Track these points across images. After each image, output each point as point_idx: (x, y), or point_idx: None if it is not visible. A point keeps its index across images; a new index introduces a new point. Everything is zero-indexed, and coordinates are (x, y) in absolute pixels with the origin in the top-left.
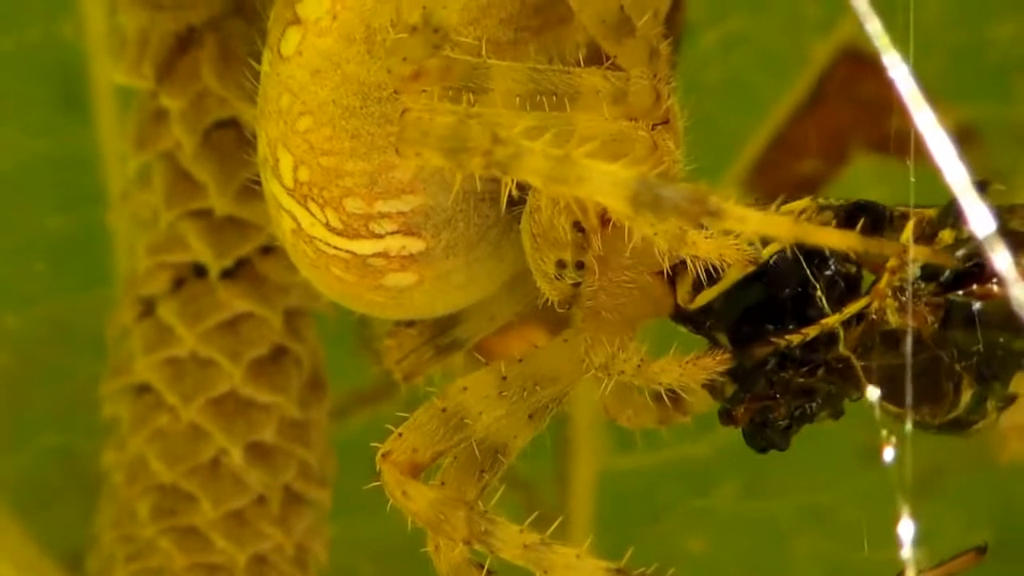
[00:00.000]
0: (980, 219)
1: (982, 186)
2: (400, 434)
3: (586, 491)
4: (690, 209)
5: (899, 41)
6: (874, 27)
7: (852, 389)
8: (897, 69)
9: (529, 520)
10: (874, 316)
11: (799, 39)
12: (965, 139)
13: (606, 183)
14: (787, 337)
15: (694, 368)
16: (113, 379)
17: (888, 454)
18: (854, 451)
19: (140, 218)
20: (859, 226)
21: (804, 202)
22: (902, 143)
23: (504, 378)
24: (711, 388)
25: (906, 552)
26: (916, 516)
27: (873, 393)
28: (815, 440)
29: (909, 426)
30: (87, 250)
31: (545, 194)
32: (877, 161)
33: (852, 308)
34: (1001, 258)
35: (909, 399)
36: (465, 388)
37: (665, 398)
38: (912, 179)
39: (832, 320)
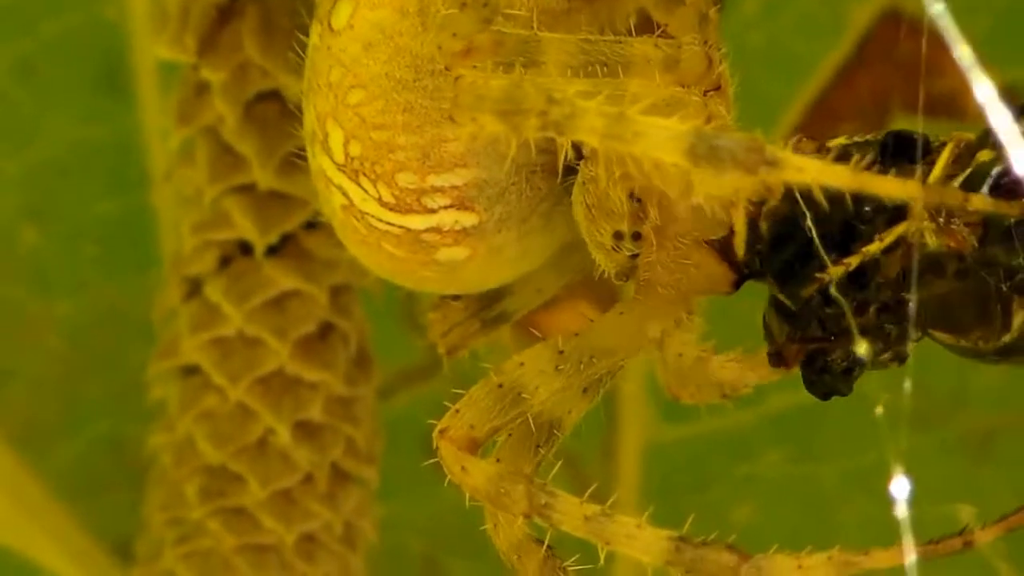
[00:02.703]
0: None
1: (1022, 109)
2: (457, 410)
3: (632, 462)
4: (748, 159)
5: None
6: None
7: (910, 330)
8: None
9: (588, 493)
10: (911, 240)
11: (839, 3)
12: (1009, 100)
13: (662, 137)
14: (830, 271)
15: (752, 373)
16: (160, 360)
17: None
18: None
19: (184, 195)
20: (917, 174)
21: (839, 140)
22: (943, 104)
23: (561, 352)
24: (773, 345)
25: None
26: (968, 479)
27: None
28: (860, 406)
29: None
30: (136, 234)
31: (602, 155)
32: (918, 123)
33: (890, 235)
34: None
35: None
36: (522, 363)
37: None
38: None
39: (872, 248)
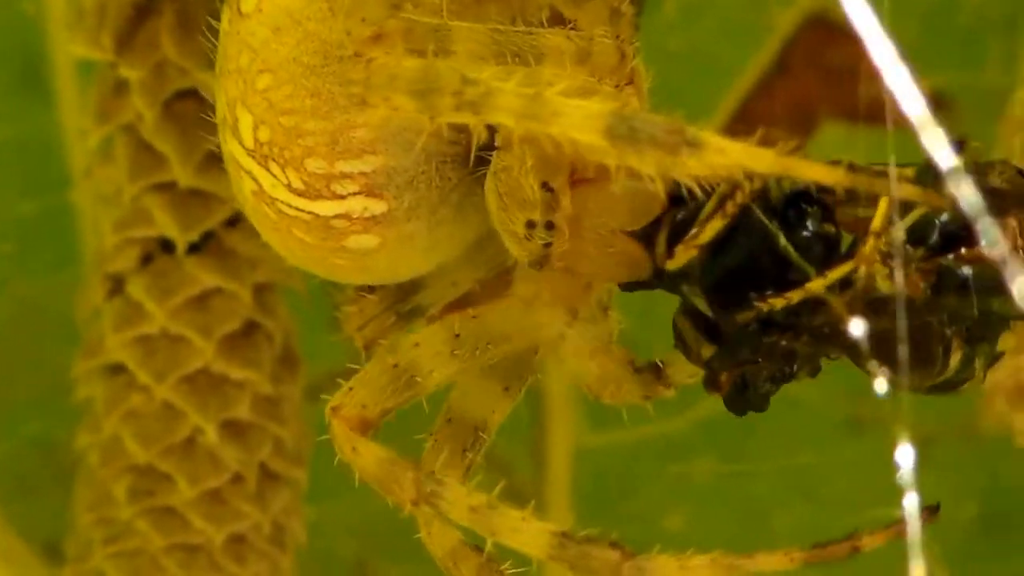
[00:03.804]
0: (958, 178)
1: (959, 145)
2: (351, 388)
3: (562, 468)
4: (668, 139)
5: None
6: None
7: (832, 349)
8: (871, 31)
9: (474, 483)
10: (863, 282)
11: (763, 6)
12: (937, 106)
13: (580, 116)
14: (770, 301)
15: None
16: (85, 360)
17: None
18: (835, 421)
19: (104, 194)
20: (846, 161)
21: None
22: (871, 110)
23: (457, 336)
24: (688, 353)
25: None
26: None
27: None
28: (795, 411)
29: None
30: (57, 232)
31: (515, 141)
32: (845, 129)
33: (837, 273)
34: (982, 216)
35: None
36: (417, 344)
37: (647, 371)
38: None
39: (816, 285)
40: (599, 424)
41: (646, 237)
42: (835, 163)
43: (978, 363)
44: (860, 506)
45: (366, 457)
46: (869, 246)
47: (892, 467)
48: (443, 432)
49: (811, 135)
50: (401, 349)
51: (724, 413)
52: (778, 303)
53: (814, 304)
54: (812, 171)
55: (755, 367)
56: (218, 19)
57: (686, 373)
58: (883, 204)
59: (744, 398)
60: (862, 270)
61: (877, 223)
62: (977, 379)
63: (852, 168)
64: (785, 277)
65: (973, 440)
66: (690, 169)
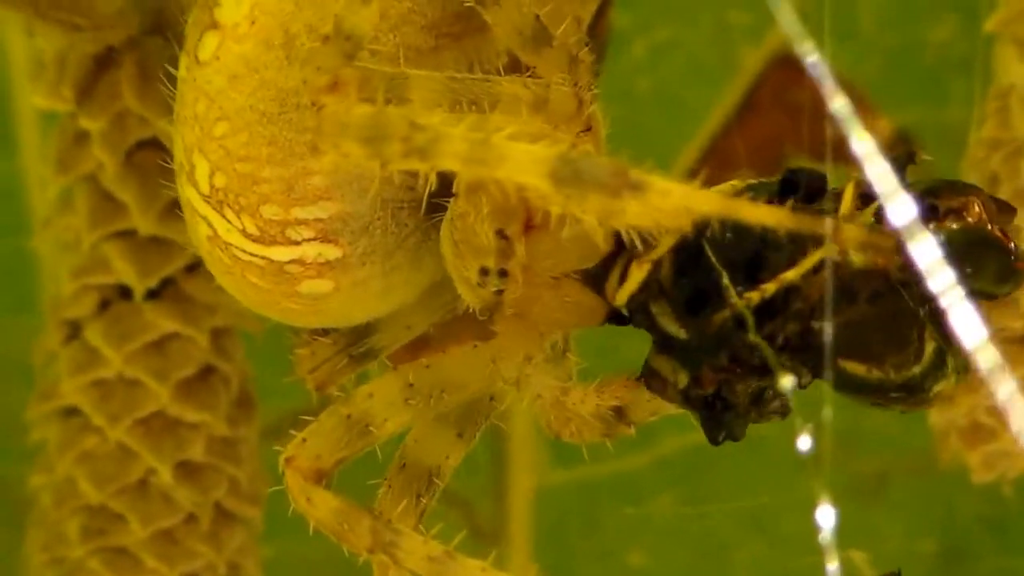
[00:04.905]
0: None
1: (911, 156)
2: (304, 439)
3: (523, 506)
4: (611, 182)
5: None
6: (794, 28)
7: (805, 371)
8: (818, 67)
9: (433, 533)
10: (837, 258)
11: (729, 47)
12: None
13: (526, 160)
14: (746, 296)
15: (607, 395)
16: (40, 403)
17: (804, 442)
18: (794, 460)
19: (64, 242)
20: (790, 203)
21: (729, 184)
22: (835, 148)
23: (411, 385)
24: (662, 387)
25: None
26: (861, 523)
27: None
28: (752, 449)
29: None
30: (17, 278)
31: (469, 188)
32: (812, 167)
33: (809, 261)
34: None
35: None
36: (371, 394)
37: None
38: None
39: (791, 275)
40: (560, 462)
41: (597, 279)
42: (779, 205)
43: (951, 363)
44: (819, 545)
45: (321, 507)
46: (839, 231)
47: (850, 507)
48: (397, 478)
49: (778, 173)
50: (355, 400)
51: (684, 451)
52: (754, 297)
53: (789, 296)
54: (756, 213)
55: (733, 377)
56: (176, 67)
57: (647, 411)
58: (849, 189)
59: (722, 423)
60: (833, 251)
61: (845, 208)
62: (950, 383)
63: (796, 209)
64: (756, 277)
65: (930, 476)
66: (633, 211)
